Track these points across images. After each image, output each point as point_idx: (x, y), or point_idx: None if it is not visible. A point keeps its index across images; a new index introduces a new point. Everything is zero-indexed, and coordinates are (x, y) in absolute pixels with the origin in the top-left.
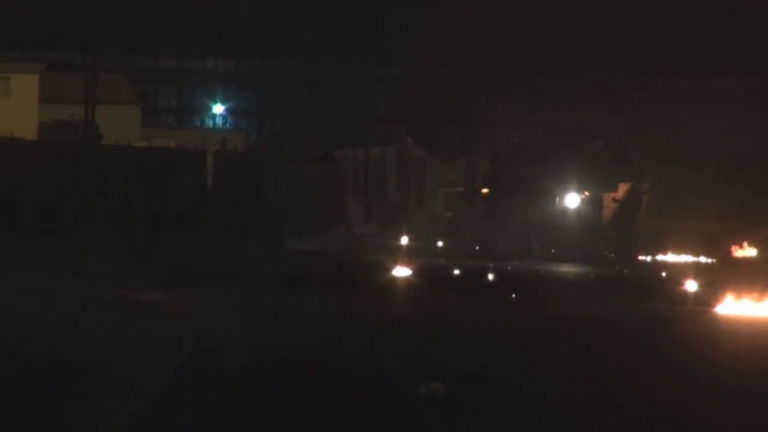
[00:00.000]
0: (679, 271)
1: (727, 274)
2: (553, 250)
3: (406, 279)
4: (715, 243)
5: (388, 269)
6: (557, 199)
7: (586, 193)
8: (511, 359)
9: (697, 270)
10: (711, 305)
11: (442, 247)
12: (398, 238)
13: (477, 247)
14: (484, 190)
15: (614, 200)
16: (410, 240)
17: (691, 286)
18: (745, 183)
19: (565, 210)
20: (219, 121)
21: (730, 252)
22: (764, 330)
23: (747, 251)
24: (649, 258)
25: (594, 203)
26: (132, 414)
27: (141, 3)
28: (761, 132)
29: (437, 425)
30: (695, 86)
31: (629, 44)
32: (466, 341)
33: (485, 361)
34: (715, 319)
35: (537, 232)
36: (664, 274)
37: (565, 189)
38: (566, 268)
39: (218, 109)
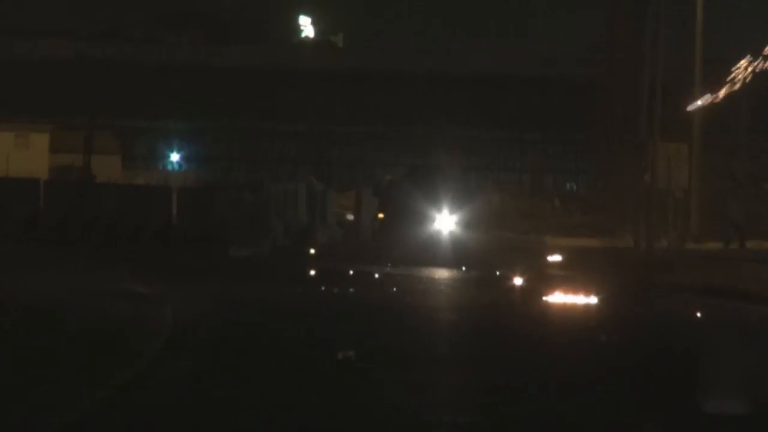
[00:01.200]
0: (509, 272)
1: (546, 274)
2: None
3: (316, 275)
4: (536, 252)
5: (304, 269)
6: (435, 218)
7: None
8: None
9: (521, 271)
10: (540, 295)
11: (337, 255)
12: (308, 248)
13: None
14: (380, 215)
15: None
16: (315, 250)
17: (518, 281)
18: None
19: (440, 228)
20: (176, 165)
21: (546, 258)
22: (578, 310)
23: (555, 257)
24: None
25: (460, 221)
26: (135, 371)
27: (120, 81)
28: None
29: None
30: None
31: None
32: (361, 319)
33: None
34: (546, 303)
35: (422, 246)
36: (498, 272)
37: (439, 211)
38: (438, 273)
39: (175, 156)
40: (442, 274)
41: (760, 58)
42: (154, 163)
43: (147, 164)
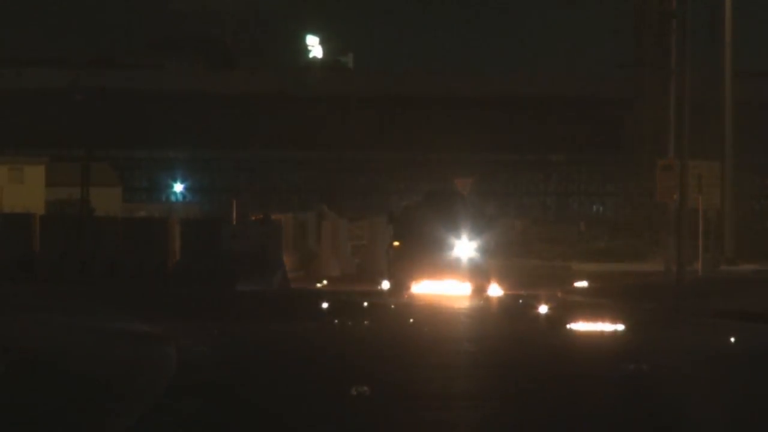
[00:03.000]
0: (531, 300)
1: (572, 301)
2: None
3: (328, 308)
4: (561, 278)
5: (315, 303)
6: (454, 245)
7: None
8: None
9: (545, 299)
10: (565, 324)
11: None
12: (320, 281)
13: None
14: (395, 243)
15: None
16: (327, 282)
17: (543, 309)
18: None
19: (459, 256)
20: (179, 196)
21: (572, 284)
22: (605, 339)
23: (581, 283)
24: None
25: (481, 248)
26: (138, 414)
27: (118, 110)
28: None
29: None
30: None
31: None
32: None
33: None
34: (570, 331)
35: (440, 274)
36: (521, 301)
37: (458, 238)
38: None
39: (178, 187)
40: (462, 303)
41: None
42: (156, 195)
43: (149, 196)
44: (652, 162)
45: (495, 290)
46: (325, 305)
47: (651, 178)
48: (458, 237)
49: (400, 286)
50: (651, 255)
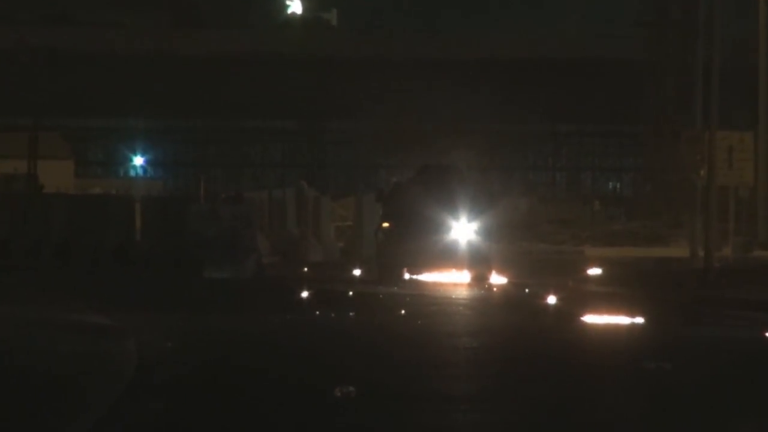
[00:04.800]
0: (539, 289)
1: (584, 290)
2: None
3: (308, 298)
4: (572, 265)
5: (294, 292)
6: (451, 227)
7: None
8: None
9: (554, 288)
10: (576, 316)
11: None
12: (299, 267)
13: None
14: (385, 225)
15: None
16: (307, 268)
17: (551, 300)
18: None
19: (457, 238)
20: (140, 171)
21: (585, 272)
22: (622, 333)
23: (595, 270)
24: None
25: (482, 231)
26: (93, 419)
27: (70, 73)
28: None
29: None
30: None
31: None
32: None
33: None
34: (585, 324)
35: (435, 260)
36: (527, 290)
37: (456, 219)
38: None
39: (138, 160)
40: (460, 292)
41: None
42: (113, 170)
43: (105, 171)
44: (675, 133)
45: (497, 278)
46: (304, 295)
47: (674, 151)
48: (456, 218)
49: (390, 273)
50: (674, 238)
